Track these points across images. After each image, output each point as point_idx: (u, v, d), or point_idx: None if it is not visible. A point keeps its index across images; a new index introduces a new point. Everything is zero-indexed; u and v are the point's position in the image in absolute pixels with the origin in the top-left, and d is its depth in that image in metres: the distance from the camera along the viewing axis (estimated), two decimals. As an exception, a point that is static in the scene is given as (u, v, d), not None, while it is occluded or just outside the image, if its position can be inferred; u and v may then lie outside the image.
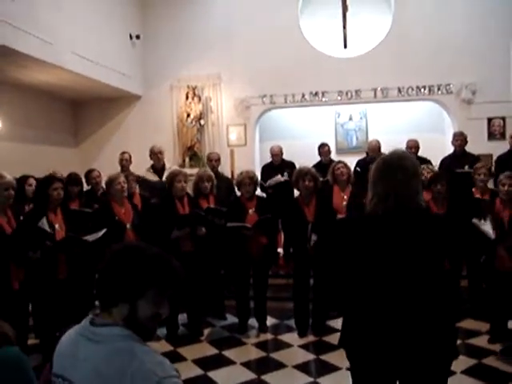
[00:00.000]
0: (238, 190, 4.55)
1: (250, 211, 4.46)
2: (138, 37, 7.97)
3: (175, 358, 3.98)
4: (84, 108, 8.56)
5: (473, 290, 4.73)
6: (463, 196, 4.45)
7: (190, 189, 4.73)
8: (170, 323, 4.51)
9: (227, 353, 4.19)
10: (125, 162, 5.98)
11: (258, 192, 5.59)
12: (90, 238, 3.88)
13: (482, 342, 4.21)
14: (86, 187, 5.36)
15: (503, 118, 7.30)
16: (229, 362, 4.00)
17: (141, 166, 6.10)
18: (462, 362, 3.83)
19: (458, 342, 4.17)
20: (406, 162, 1.98)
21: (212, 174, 4.78)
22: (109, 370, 1.21)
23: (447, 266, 4.02)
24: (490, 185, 4.95)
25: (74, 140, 8.62)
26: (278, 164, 6.24)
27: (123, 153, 6.12)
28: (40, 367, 1.49)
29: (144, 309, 1.30)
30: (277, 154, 6.33)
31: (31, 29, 5.42)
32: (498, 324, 4.15)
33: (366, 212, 2.01)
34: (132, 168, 5.98)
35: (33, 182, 4.76)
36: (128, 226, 4.25)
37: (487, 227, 3.85)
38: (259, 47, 7.88)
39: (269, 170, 6.27)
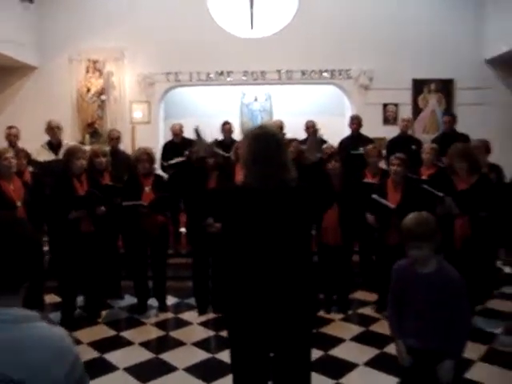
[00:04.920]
0: (135, 166, 4.41)
1: (147, 189, 4.34)
2: (30, 0, 7.30)
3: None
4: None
5: (364, 263, 5.05)
6: (356, 176, 4.70)
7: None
8: (66, 307, 4.30)
9: (125, 334, 4.10)
10: (12, 138, 5.51)
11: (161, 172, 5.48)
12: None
13: (370, 310, 4.53)
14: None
15: (396, 105, 7.79)
16: (127, 343, 3.91)
17: (36, 142, 5.66)
18: (352, 330, 4.10)
19: (350, 311, 4.49)
20: (275, 136, 2.05)
21: (106, 149, 4.58)
22: None
23: (340, 243, 4.29)
24: (384, 166, 5.28)
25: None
26: (179, 142, 6.15)
27: (10, 127, 5.61)
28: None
29: None
30: (178, 132, 6.23)
31: None
32: (385, 294, 4.46)
33: (239, 184, 2.06)
34: (27, 144, 5.49)
35: None
36: (18, 203, 3.96)
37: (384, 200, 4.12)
38: (165, 23, 7.63)
39: (170, 148, 6.15)
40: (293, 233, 1.98)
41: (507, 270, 4.85)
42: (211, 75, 7.79)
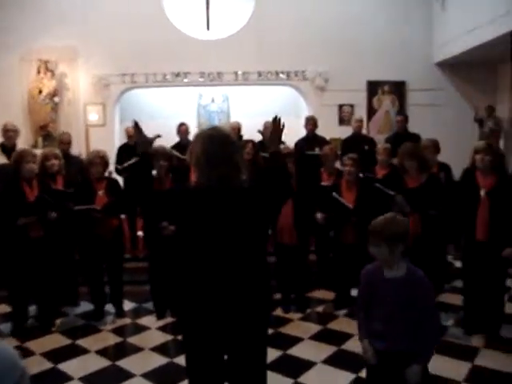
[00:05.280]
0: (88, 170, 4.30)
1: (100, 193, 4.25)
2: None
3: (21, 353, 3.67)
4: None
5: (321, 262, 5.12)
6: (311, 177, 4.77)
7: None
8: (17, 317, 4.15)
9: (81, 342, 3.99)
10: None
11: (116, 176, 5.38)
12: None
13: (328, 309, 4.58)
14: None
15: (352, 105, 7.96)
16: (82, 352, 3.80)
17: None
18: (311, 329, 4.16)
19: (308, 310, 4.54)
20: (228, 137, 2.06)
21: (58, 151, 4.45)
22: None
23: (296, 242, 4.35)
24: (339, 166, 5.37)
25: None
26: (133, 145, 6.04)
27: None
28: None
29: None
30: (131, 135, 6.13)
31: None
32: (342, 292, 4.55)
33: (191, 186, 2.05)
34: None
35: None
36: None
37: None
38: (120, 23, 7.50)
39: (125, 151, 6.04)
40: (246, 233, 1.98)
41: (457, 264, 5.02)
42: (167, 76, 7.72)
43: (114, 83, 7.72)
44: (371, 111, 8.03)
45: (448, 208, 3.92)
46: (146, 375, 3.38)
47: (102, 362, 3.61)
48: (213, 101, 8.74)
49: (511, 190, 3.67)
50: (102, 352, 3.80)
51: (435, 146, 4.87)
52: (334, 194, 4.22)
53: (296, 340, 3.91)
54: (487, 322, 3.76)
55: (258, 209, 1.99)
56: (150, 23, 7.51)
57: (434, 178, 4.13)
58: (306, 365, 3.48)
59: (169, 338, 4.03)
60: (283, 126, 2.17)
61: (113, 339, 4.07)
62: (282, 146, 4.97)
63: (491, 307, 3.75)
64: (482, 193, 3.66)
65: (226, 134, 2.09)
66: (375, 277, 2.21)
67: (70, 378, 3.35)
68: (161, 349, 3.82)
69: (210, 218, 1.95)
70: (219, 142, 2.01)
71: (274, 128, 2.20)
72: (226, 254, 1.95)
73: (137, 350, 3.83)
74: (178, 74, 7.71)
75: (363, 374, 3.28)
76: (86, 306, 4.72)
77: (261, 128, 6.21)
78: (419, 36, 7.95)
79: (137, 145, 2.19)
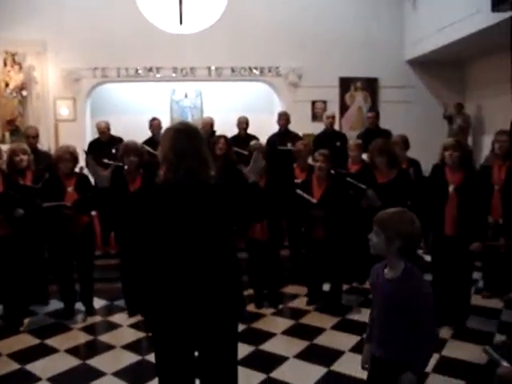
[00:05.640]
0: (56, 165, 4.21)
1: (69, 189, 4.17)
2: None
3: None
4: None
5: (294, 258, 5.15)
6: (283, 171, 4.78)
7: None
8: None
9: (50, 341, 3.90)
10: None
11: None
12: None
13: (301, 304, 4.63)
14: None
15: (324, 102, 8.00)
16: (51, 351, 3.72)
17: None
18: (283, 324, 4.18)
19: (281, 306, 4.56)
20: (197, 132, 2.05)
21: (26, 146, 4.34)
22: None
23: (267, 238, 4.35)
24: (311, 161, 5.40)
25: None
26: (106, 140, 5.95)
27: None
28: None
29: None
30: (103, 130, 6.03)
31: None
32: (314, 287, 4.59)
33: (159, 182, 2.03)
34: None
35: None
36: None
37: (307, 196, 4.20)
38: (91, 16, 7.34)
39: (96, 146, 5.93)
40: (213, 229, 1.98)
41: (427, 258, 5.12)
42: (140, 71, 7.60)
43: (85, 77, 7.55)
44: (344, 107, 8.10)
45: (417, 203, 3.99)
46: (117, 373, 3.33)
47: (72, 362, 3.54)
48: (186, 96, 8.67)
49: (479, 185, 3.76)
50: (72, 351, 3.73)
51: (404, 142, 4.96)
52: (297, 190, 4.24)
53: (268, 335, 3.92)
54: (454, 314, 3.85)
55: (222, 206, 1.99)
56: (123, 17, 7.38)
57: (403, 173, 4.20)
58: (279, 360, 3.49)
59: (141, 335, 3.99)
60: (264, 151, 2.20)
61: (83, 338, 4.00)
62: (252, 143, 5.02)
63: (458, 300, 3.84)
64: (451, 188, 3.74)
65: (194, 128, 2.08)
66: (377, 276, 2.09)
67: (37, 379, 3.27)
68: (132, 346, 3.78)
69: (178, 213, 1.94)
70: (187, 137, 2.00)
71: (254, 159, 2.22)
72: (193, 249, 1.94)
73: (108, 348, 3.78)
74: (150, 69, 7.60)
75: (335, 367, 3.35)
76: (55, 305, 4.63)
77: (234, 123, 6.30)
78: (391, 34, 8.05)
79: (96, 181, 2.19)
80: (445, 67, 8.02)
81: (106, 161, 5.36)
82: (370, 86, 8.14)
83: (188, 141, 1.99)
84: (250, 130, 6.30)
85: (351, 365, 3.33)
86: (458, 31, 6.50)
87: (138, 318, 4.32)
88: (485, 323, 3.99)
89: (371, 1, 7.99)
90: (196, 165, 1.96)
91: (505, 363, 1.86)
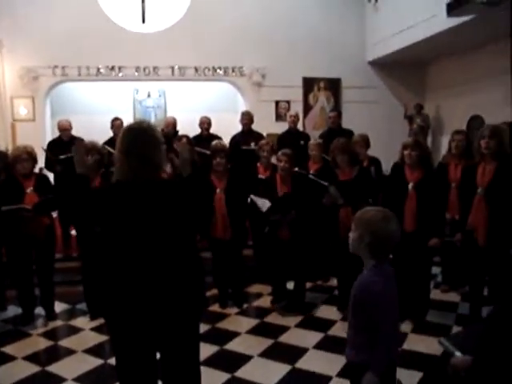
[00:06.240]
0: (13, 166, 4.07)
1: (28, 190, 4.05)
2: None
3: None
4: None
5: (258, 257, 5.16)
6: (246, 171, 4.78)
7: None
8: None
9: (8, 348, 3.76)
10: None
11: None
12: None
13: (265, 303, 4.64)
14: None
15: (288, 102, 8.07)
16: (8, 359, 3.59)
17: None
18: (248, 323, 4.18)
19: (245, 305, 4.56)
20: (145, 132, 2.04)
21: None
22: None
23: (230, 237, 4.34)
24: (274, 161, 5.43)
25: None
26: (67, 140, 5.80)
27: None
28: None
29: None
30: (65, 128, 5.88)
31: None
32: (278, 286, 4.61)
33: (114, 180, 2.02)
34: None
35: None
36: None
37: (261, 201, 4.18)
38: (50, 12, 7.17)
39: (57, 146, 5.78)
40: (166, 227, 1.96)
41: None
42: (102, 70, 7.48)
43: (44, 76, 7.36)
44: (307, 107, 8.19)
45: (378, 200, 4.07)
46: (78, 379, 3.25)
47: (31, 369, 3.43)
48: (149, 96, 8.58)
49: (436, 183, 3.87)
50: (31, 358, 3.61)
51: (365, 141, 5.05)
52: (251, 196, 4.24)
53: (233, 335, 3.92)
54: (414, 309, 3.95)
55: (173, 203, 1.99)
56: (83, 13, 7.19)
57: (364, 171, 4.28)
58: (243, 359, 3.49)
59: (103, 338, 3.89)
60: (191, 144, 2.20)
61: (43, 343, 3.89)
62: (213, 143, 4.99)
63: (419, 294, 3.94)
64: (410, 186, 3.84)
65: (144, 127, 2.05)
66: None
67: (-7, 388, 3.18)
68: (94, 350, 3.70)
69: (130, 212, 1.93)
70: (134, 136, 2.00)
71: (180, 153, 2.24)
72: (149, 248, 1.93)
73: (69, 352, 3.68)
74: (112, 68, 7.48)
75: (299, 364, 3.37)
76: (14, 310, 4.48)
77: (197, 122, 6.26)
78: (353, 35, 8.20)
79: (76, 163, 2.14)
80: (405, 68, 8.22)
81: (62, 157, 5.26)
82: (333, 86, 8.26)
83: (134, 140, 1.98)
84: (214, 130, 6.28)
85: (315, 362, 3.38)
86: (416, 34, 6.68)
87: (100, 322, 4.22)
88: (443, 316, 4.11)
89: (334, 2, 8.11)
90: (140, 164, 1.96)
91: (458, 353, 1.92)
